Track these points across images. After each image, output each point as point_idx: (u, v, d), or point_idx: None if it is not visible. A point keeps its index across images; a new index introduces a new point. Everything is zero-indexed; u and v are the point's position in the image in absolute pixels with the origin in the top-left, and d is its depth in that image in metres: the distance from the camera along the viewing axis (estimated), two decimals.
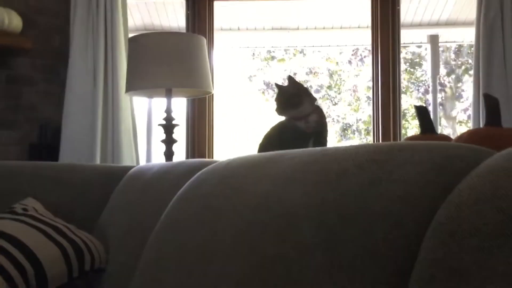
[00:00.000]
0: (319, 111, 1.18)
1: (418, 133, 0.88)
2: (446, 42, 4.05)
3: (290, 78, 1.22)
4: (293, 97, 1.17)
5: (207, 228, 0.73)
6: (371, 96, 2.72)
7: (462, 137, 0.72)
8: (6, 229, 1.13)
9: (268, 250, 0.58)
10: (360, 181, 0.52)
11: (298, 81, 1.24)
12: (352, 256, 0.48)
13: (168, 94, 1.78)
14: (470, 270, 0.36)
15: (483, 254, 0.36)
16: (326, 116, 1.22)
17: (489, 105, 0.72)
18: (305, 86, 1.23)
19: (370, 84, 2.84)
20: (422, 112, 0.81)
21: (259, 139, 1.27)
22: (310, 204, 0.56)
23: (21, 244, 1.10)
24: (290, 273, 0.53)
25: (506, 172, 0.39)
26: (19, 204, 1.31)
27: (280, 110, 1.18)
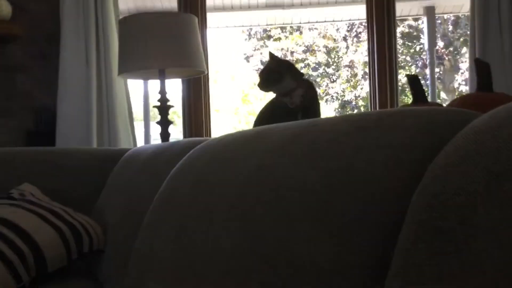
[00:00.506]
0: (305, 85, 1.16)
1: (411, 103, 0.87)
2: (443, 13, 4.00)
3: (271, 54, 1.21)
4: (273, 73, 1.16)
5: (200, 204, 0.73)
6: (366, 70, 2.70)
7: (453, 104, 0.72)
8: (4, 214, 1.14)
9: (260, 222, 0.58)
10: (348, 149, 0.52)
11: (280, 57, 1.24)
12: (341, 223, 0.48)
13: (162, 75, 1.77)
14: (454, 229, 0.36)
15: (468, 212, 0.36)
16: (321, 91, 1.21)
17: (480, 70, 0.71)
18: (289, 61, 1.21)
19: (367, 59, 2.82)
20: (413, 81, 0.81)
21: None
22: (299, 174, 0.56)
23: (19, 229, 1.10)
24: (281, 242, 0.53)
25: (491, 131, 0.39)
26: (16, 189, 1.32)
27: (261, 86, 1.18)
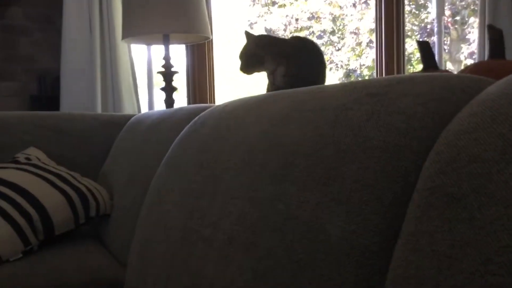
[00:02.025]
0: (286, 62, 1.06)
1: (421, 70, 0.86)
2: None
3: (247, 34, 1.12)
4: (252, 57, 1.08)
5: (206, 170, 0.73)
6: (373, 40, 2.66)
7: (466, 71, 0.70)
8: (10, 178, 1.14)
9: (267, 188, 0.58)
10: (358, 115, 0.51)
11: (258, 35, 1.11)
12: (350, 190, 0.47)
13: (166, 40, 1.75)
14: (468, 196, 0.36)
15: (482, 180, 0.35)
16: (326, 58, 1.15)
17: (493, 37, 0.70)
18: (268, 38, 1.10)
19: (373, 27, 2.77)
20: (424, 47, 0.79)
21: (260, 86, 1.23)
22: (307, 141, 0.55)
23: (26, 192, 1.11)
24: (288, 209, 0.53)
25: (507, 98, 0.38)
26: (21, 153, 1.32)
27: (243, 70, 1.11)
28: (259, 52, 1.08)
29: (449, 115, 0.45)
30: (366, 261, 0.43)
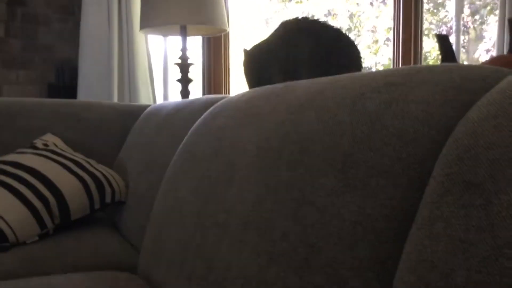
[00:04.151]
0: (283, 78, 0.97)
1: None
2: None
3: (246, 54, 1.03)
4: (259, 73, 0.99)
5: (222, 158, 0.74)
6: (390, 38, 2.65)
7: (485, 63, 0.70)
8: (28, 163, 1.16)
9: (282, 175, 0.58)
10: (376, 104, 0.52)
11: (258, 49, 1.01)
12: (366, 177, 0.48)
13: (183, 31, 1.76)
14: (485, 183, 0.36)
15: (499, 166, 0.36)
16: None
17: None
18: (269, 53, 0.99)
19: (390, 25, 2.75)
20: (443, 41, 0.79)
21: None
22: (324, 128, 0.56)
23: (43, 177, 1.13)
24: (304, 195, 0.54)
25: None
26: (39, 139, 1.34)
27: (253, 86, 1.02)
28: (263, 69, 1.00)
29: (469, 103, 0.45)
30: (380, 246, 0.43)
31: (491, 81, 0.46)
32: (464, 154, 0.39)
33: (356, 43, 1.03)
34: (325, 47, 0.93)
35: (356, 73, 0.63)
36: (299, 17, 0.99)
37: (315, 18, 1.01)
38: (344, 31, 1.01)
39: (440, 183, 0.39)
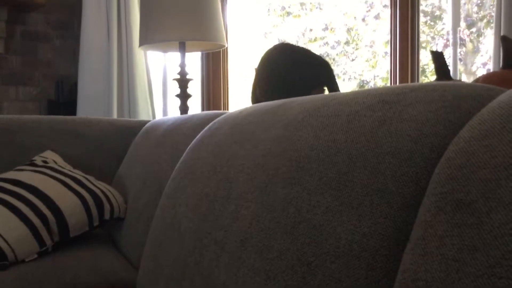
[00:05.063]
0: (265, 95, 1.06)
1: (435, 80, 0.86)
2: None
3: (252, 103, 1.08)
4: (253, 92, 1.07)
5: (219, 175, 0.74)
6: (388, 51, 2.67)
7: (478, 80, 0.71)
8: (28, 180, 1.17)
9: (279, 192, 0.59)
10: (370, 122, 0.52)
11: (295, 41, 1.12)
12: (361, 195, 0.48)
13: (182, 48, 1.77)
14: (477, 202, 0.36)
15: (491, 186, 0.36)
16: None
17: (506, 47, 0.70)
18: (275, 81, 1.02)
19: (387, 38, 2.78)
20: (438, 57, 0.80)
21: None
22: (320, 146, 0.56)
23: (42, 194, 1.13)
24: (300, 212, 0.54)
25: None
26: (39, 156, 1.35)
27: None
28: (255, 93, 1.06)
29: (461, 122, 0.46)
30: (376, 264, 0.44)
31: (483, 100, 0.47)
32: (456, 173, 0.39)
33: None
34: (290, 67, 0.97)
35: (352, 91, 0.64)
36: (285, 42, 1.08)
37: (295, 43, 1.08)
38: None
39: (433, 202, 0.40)
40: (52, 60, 2.39)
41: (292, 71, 0.98)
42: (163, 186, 1.02)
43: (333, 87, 1.04)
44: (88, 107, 2.20)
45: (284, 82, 0.98)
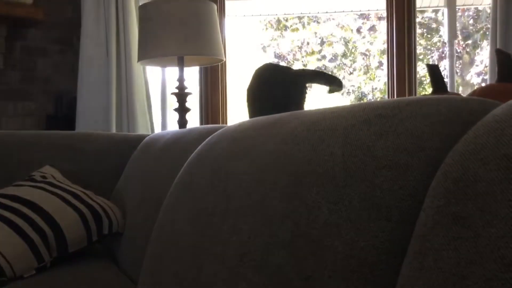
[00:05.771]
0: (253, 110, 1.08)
1: (431, 93, 0.87)
2: (463, 5, 3.95)
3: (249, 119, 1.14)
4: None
5: (218, 189, 0.74)
6: (383, 62, 2.69)
7: (474, 94, 0.71)
8: (26, 196, 1.17)
9: (277, 207, 0.59)
10: (366, 136, 0.53)
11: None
12: (359, 209, 0.48)
13: (180, 62, 1.78)
14: (473, 215, 0.37)
15: (486, 199, 0.36)
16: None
17: (501, 60, 0.71)
18: (271, 97, 1.05)
19: (383, 48, 2.80)
20: (433, 70, 0.81)
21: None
22: (317, 160, 0.57)
23: (41, 210, 1.13)
24: (298, 227, 0.54)
25: (511, 120, 0.39)
26: (37, 172, 1.35)
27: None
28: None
29: (456, 136, 0.46)
30: (373, 278, 0.44)
31: (478, 114, 0.47)
32: (452, 187, 0.39)
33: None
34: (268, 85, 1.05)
35: (349, 105, 0.65)
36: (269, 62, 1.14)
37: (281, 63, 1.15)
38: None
39: (430, 216, 0.40)
40: (51, 75, 2.40)
41: (264, 90, 1.05)
42: (161, 200, 1.02)
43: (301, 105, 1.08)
44: (87, 122, 2.20)
45: (260, 102, 1.04)
